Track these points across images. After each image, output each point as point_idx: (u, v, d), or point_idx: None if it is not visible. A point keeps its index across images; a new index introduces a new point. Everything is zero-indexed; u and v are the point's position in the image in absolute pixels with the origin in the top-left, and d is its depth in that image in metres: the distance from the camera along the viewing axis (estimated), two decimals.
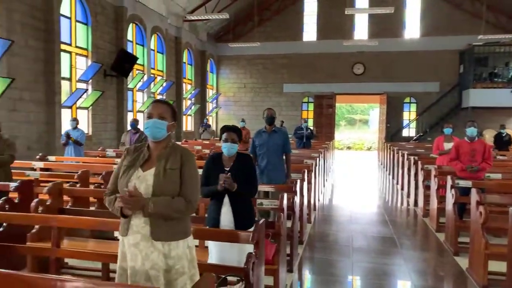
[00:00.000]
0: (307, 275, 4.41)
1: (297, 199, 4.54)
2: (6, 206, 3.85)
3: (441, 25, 17.74)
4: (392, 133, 18.67)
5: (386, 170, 12.84)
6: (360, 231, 5.95)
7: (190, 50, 17.42)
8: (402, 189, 9.27)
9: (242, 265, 2.51)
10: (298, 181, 4.77)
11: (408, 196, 8.36)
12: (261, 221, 2.77)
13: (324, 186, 9.53)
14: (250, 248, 2.82)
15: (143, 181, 2.16)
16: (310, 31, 19.56)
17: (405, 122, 19.03)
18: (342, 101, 24.65)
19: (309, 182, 6.31)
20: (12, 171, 5.31)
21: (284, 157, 5.29)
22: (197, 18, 15.41)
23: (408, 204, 7.97)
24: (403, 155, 9.37)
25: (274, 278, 3.33)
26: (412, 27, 18.53)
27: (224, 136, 3.29)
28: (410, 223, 6.87)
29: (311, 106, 19.84)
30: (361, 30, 18.95)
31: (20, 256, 3.41)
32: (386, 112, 18.60)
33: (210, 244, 3.21)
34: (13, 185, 4.33)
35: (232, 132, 3.31)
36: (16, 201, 4.07)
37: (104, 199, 2.27)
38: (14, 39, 7.85)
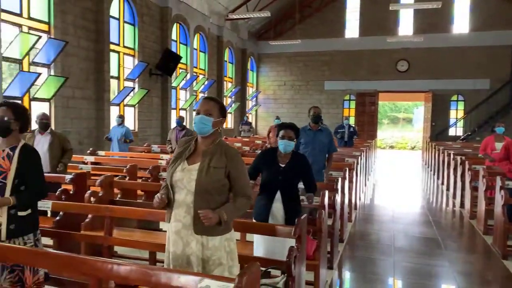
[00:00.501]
0: (348, 273, 4.40)
1: (338, 197, 4.54)
2: (63, 196, 4.13)
3: (492, 19, 16.87)
4: (437, 132, 18.01)
5: (431, 170, 12.43)
6: (402, 230, 5.84)
7: (231, 48, 17.66)
8: (448, 190, 8.95)
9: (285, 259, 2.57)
10: (339, 179, 4.76)
11: (454, 197, 8.07)
12: (303, 216, 2.82)
13: (365, 185, 9.38)
14: (293, 243, 2.87)
15: (187, 173, 2.24)
16: (352, 28, 19.23)
17: (452, 121, 18.28)
18: (385, 99, 24.03)
19: (350, 181, 6.26)
20: (68, 164, 5.69)
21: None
22: (238, 17, 15.57)
23: (454, 206, 7.70)
24: (449, 155, 9.05)
25: (314, 274, 3.35)
26: (461, 22, 17.74)
27: (281, 133, 3.34)
28: (455, 224, 6.64)
29: (353, 104, 19.51)
30: (405, 26, 18.39)
31: (74, 243, 3.65)
32: (431, 110, 17.97)
33: (255, 238, 3.28)
34: (68, 177, 4.61)
35: (289, 129, 3.35)
36: (71, 192, 4.35)
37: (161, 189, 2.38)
38: (68, 40, 8.33)
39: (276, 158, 3.33)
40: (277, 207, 3.21)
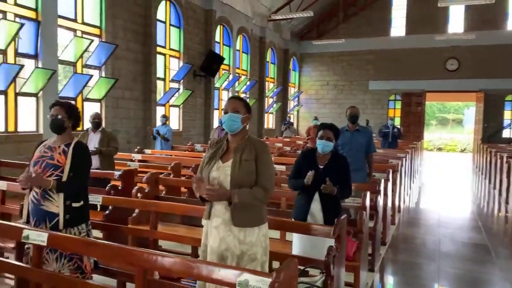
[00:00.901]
0: (389, 276, 4.31)
1: (380, 199, 4.45)
2: (112, 191, 4.36)
3: None
4: (490, 133, 17.09)
5: (482, 174, 11.83)
6: (449, 235, 5.62)
7: (273, 49, 17.72)
8: (500, 195, 8.49)
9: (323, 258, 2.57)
10: (382, 181, 4.67)
11: (507, 202, 7.65)
12: (342, 217, 2.81)
13: (410, 188, 9.09)
14: (332, 242, 2.86)
15: (222, 171, 2.35)
16: (398, 26, 18.70)
17: (506, 122, 17.27)
18: (432, 99, 23.08)
19: (394, 183, 6.11)
20: (115, 161, 6.00)
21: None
22: (281, 18, 15.61)
23: (506, 211, 7.30)
24: (501, 158, 8.58)
25: (354, 275, 3.32)
26: None
27: (320, 133, 3.34)
28: (508, 231, 6.30)
29: (398, 104, 18.95)
30: (455, 23, 17.61)
31: (122, 236, 3.83)
32: (483, 111, 17.09)
33: (294, 236, 3.31)
34: (117, 173, 4.85)
35: (328, 130, 3.34)
36: (119, 188, 4.58)
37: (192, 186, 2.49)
38: (118, 43, 8.74)
39: (315, 158, 3.34)
40: (316, 207, 3.21)
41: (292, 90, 20.11)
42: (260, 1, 15.33)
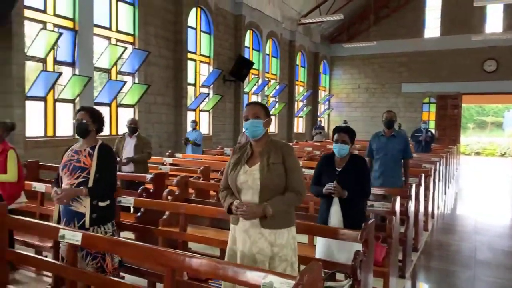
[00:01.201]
0: (421, 283, 4.20)
1: (411, 204, 4.35)
2: (144, 194, 4.49)
3: None
4: None
5: None
6: (486, 243, 5.40)
7: (303, 52, 17.67)
8: None
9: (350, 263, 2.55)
10: (413, 186, 4.55)
11: None
12: (370, 221, 2.77)
13: (445, 193, 8.81)
14: (359, 247, 2.83)
15: (250, 175, 2.37)
16: (432, 27, 18.21)
17: None
18: (469, 101, 22.24)
19: (427, 188, 5.95)
20: (149, 165, 6.17)
21: (402, 162, 5.06)
22: (311, 21, 15.57)
23: None
24: None
25: (384, 281, 3.26)
26: None
27: (335, 136, 3.32)
28: None
29: (433, 107, 18.41)
30: (493, 22, 16.97)
31: (153, 238, 3.93)
32: None
33: (318, 240, 3.29)
34: (148, 177, 4.99)
35: (343, 133, 3.31)
36: (151, 190, 4.70)
37: (219, 193, 2.55)
38: (150, 50, 8.99)
39: (333, 162, 3.33)
40: (336, 210, 3.19)
41: (322, 94, 19.97)
42: (289, 5, 15.35)
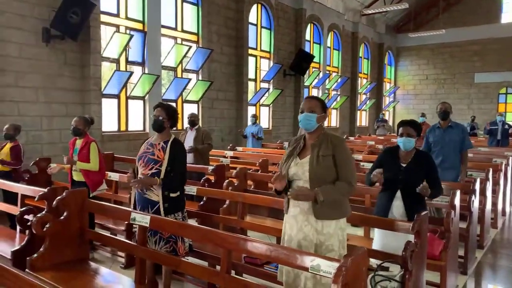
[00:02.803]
0: (485, 281, 4.04)
1: (475, 199, 4.18)
2: (206, 184, 4.79)
3: None
4: None
5: None
6: None
7: (366, 44, 17.20)
8: None
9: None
10: (478, 180, 4.37)
11: None
12: (423, 213, 2.76)
13: None
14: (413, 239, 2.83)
15: (301, 167, 2.47)
16: (510, 11, 16.79)
17: None
18: None
19: (496, 183, 5.63)
20: (210, 157, 6.50)
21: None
22: (374, 12, 15.12)
23: None
24: None
25: (441, 275, 3.22)
26: None
27: (400, 130, 3.29)
28: None
29: (511, 98, 17.03)
30: None
31: (214, 224, 4.19)
32: None
33: (376, 232, 3.30)
34: (210, 168, 5.28)
35: (409, 126, 3.27)
36: (212, 181, 4.99)
37: None
38: (212, 47, 9.36)
39: (397, 156, 3.28)
40: (397, 205, 3.16)
41: (387, 86, 19.30)
42: None
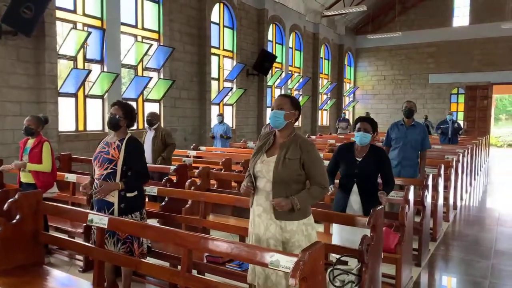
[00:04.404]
0: (438, 271, 4.24)
1: (428, 194, 4.39)
2: (167, 184, 4.73)
3: None
4: None
5: None
6: (507, 234, 5.36)
7: (327, 45, 17.58)
8: None
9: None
10: (430, 176, 4.58)
11: None
12: (379, 207, 2.87)
13: (470, 185, 8.68)
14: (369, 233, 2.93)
15: (266, 165, 2.49)
16: (461, 16, 17.74)
17: None
18: (501, 91, 21.52)
19: (447, 179, 5.93)
20: (173, 157, 6.42)
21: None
22: (334, 13, 15.47)
23: None
24: None
25: (396, 267, 3.36)
26: None
27: (358, 125, 3.39)
28: None
29: (462, 98, 17.97)
30: None
31: (176, 225, 4.15)
32: None
33: (334, 228, 3.40)
34: (172, 168, 5.22)
35: (365, 122, 3.39)
36: (174, 181, 4.94)
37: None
38: (174, 46, 9.25)
39: (353, 151, 3.39)
40: (354, 199, 3.28)
41: (347, 86, 19.81)
42: None
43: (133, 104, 8.74)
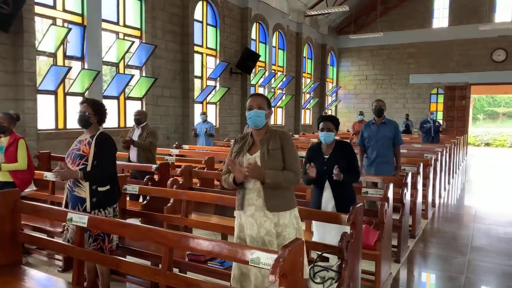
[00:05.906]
0: (417, 268, 4.34)
1: (406, 192, 4.47)
2: (149, 182, 4.70)
3: None
4: None
5: None
6: (483, 230, 5.52)
7: (310, 44, 17.69)
8: None
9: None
10: (409, 174, 4.67)
11: None
12: (358, 205, 2.92)
13: (448, 183, 8.88)
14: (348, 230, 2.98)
15: (252, 162, 2.51)
16: (440, 17, 18.09)
17: None
18: (479, 92, 22.06)
19: (426, 177, 6.05)
20: (156, 156, 6.34)
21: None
22: (317, 13, 15.57)
23: None
24: None
25: (375, 264, 3.42)
26: None
27: (320, 125, 3.55)
28: None
29: (441, 98, 18.34)
30: (503, 11, 16.78)
31: (158, 223, 4.13)
32: None
33: (314, 225, 3.47)
34: (154, 166, 5.19)
35: (328, 121, 3.53)
36: (156, 179, 4.91)
37: (221, 178, 2.70)
38: (157, 43, 9.17)
39: (321, 150, 3.54)
40: (327, 195, 3.40)
41: (330, 85, 19.98)
42: None
43: (115, 102, 8.64)
